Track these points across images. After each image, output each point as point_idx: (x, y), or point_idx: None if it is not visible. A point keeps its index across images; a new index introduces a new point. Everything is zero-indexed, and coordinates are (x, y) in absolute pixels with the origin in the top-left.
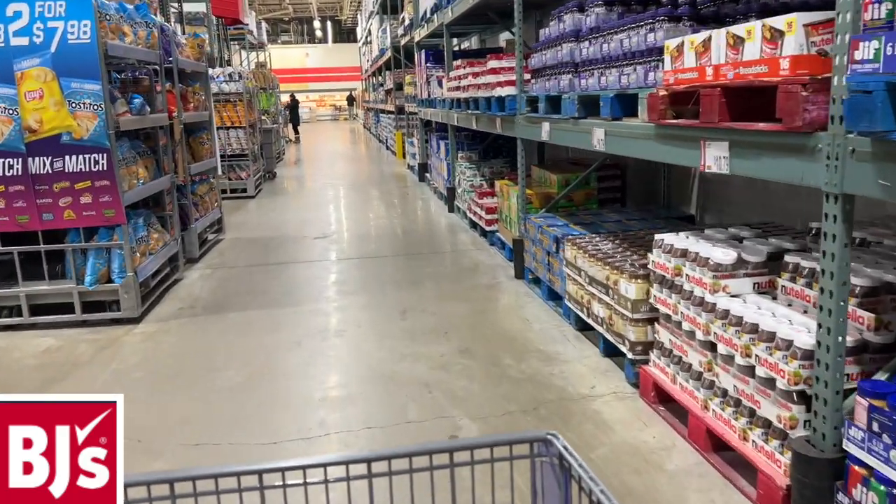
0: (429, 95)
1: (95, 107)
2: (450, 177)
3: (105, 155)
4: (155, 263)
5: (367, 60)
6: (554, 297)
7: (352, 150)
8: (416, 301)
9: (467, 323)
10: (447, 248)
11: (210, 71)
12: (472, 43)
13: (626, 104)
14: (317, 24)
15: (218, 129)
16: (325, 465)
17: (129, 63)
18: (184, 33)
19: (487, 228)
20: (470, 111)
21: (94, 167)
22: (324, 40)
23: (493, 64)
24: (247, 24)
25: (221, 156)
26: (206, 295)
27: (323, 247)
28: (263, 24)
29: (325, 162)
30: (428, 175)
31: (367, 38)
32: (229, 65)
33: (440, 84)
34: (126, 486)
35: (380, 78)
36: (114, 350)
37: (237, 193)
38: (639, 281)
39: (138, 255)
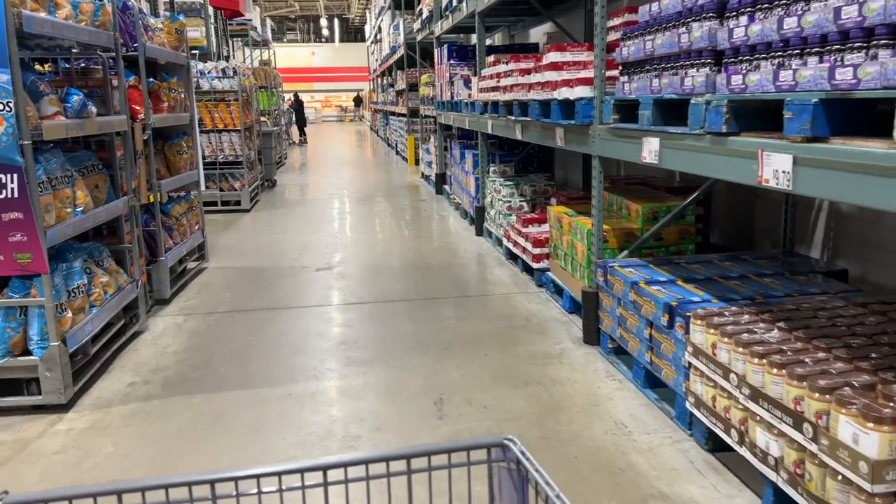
0: (452, 97)
1: (1, 106)
2: (478, 194)
3: (14, 176)
4: (98, 321)
5: (376, 60)
6: (654, 382)
7: (359, 154)
8: (455, 382)
9: (535, 432)
10: (482, 287)
11: (200, 66)
12: (495, 40)
13: (837, 114)
14: (324, 22)
15: (209, 132)
16: (279, 474)
17: (68, 47)
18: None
19: (535, 266)
20: (514, 117)
21: None
22: (331, 39)
23: (553, 57)
24: (250, 20)
25: (212, 163)
26: (168, 362)
27: (326, 283)
28: (268, 22)
29: (331, 168)
30: (447, 187)
31: (376, 36)
32: (228, 61)
33: (467, 84)
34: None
35: (390, 78)
36: (16, 465)
37: (230, 206)
38: (885, 428)
39: (70, 313)
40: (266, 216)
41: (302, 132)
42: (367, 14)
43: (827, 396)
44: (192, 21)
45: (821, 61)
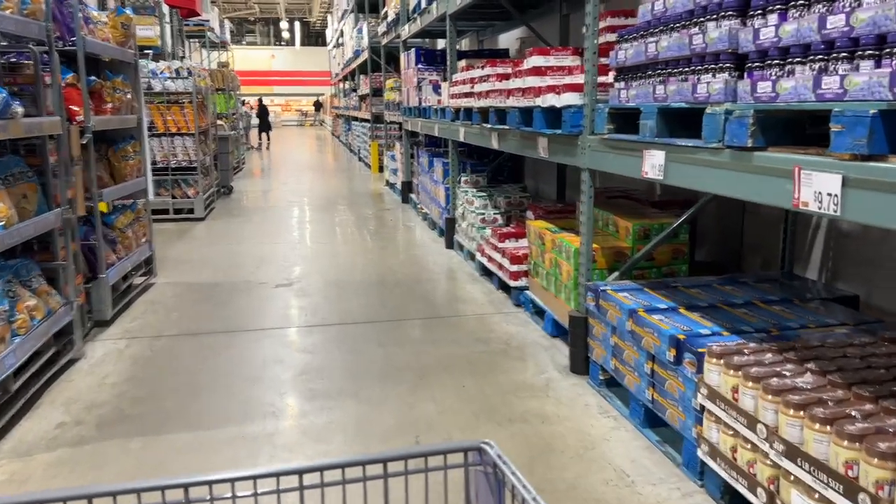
0: (419, 103)
1: None
2: (448, 204)
3: None
4: (23, 352)
5: (338, 64)
6: (654, 421)
7: (320, 159)
8: (432, 418)
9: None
10: (456, 307)
11: (152, 65)
12: (462, 45)
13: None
14: (284, 24)
15: (161, 135)
16: (254, 478)
17: None
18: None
19: (513, 284)
20: (490, 125)
21: None
22: (291, 42)
23: (536, 61)
24: (207, 21)
25: (164, 169)
26: (106, 396)
27: (286, 301)
28: (227, 23)
29: (291, 173)
30: (413, 196)
31: (338, 39)
32: (182, 61)
33: (437, 90)
34: None
35: (352, 82)
36: None
37: (183, 215)
38: None
39: None
40: (221, 225)
41: (267, 137)
42: (329, 17)
43: (890, 463)
44: (145, 19)
45: (878, 65)
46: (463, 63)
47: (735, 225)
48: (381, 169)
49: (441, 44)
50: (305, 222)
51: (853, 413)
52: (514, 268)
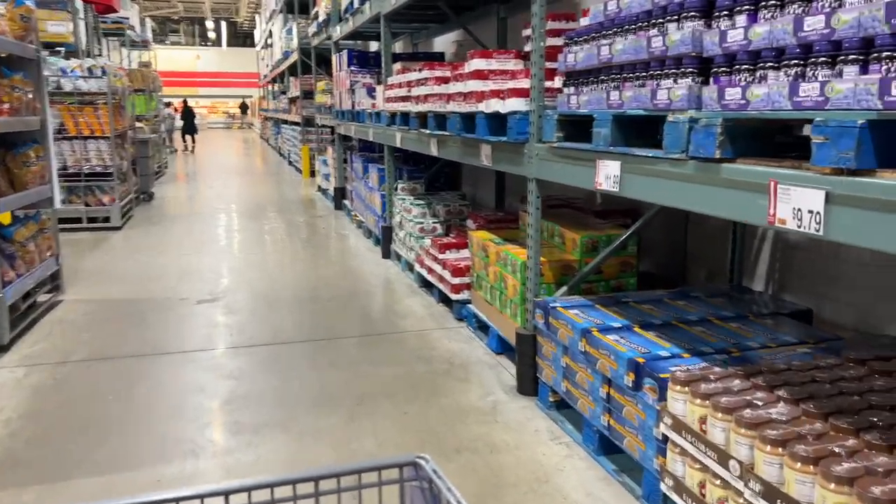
0: (353, 106)
1: None
2: (385, 212)
3: None
4: None
5: (267, 65)
6: (610, 447)
7: (248, 164)
8: (372, 453)
9: None
10: (395, 322)
11: (62, 63)
12: (395, 48)
13: (886, 141)
14: (210, 24)
15: (72, 139)
16: (178, 500)
17: None
18: None
19: (454, 297)
20: (428, 131)
21: None
22: (217, 43)
23: (477, 64)
24: (127, 18)
25: (76, 174)
26: None
27: (210, 319)
28: (149, 22)
29: (217, 178)
30: (347, 203)
31: (267, 40)
32: (96, 59)
33: (371, 93)
34: None
35: (282, 84)
36: None
37: (97, 224)
38: None
39: None
40: (140, 235)
41: (193, 140)
42: (257, 18)
43: None
44: (56, 14)
45: (864, 71)
46: (398, 66)
47: (678, 235)
48: (312, 174)
49: (374, 46)
50: (233, 231)
51: (836, 450)
52: (456, 280)
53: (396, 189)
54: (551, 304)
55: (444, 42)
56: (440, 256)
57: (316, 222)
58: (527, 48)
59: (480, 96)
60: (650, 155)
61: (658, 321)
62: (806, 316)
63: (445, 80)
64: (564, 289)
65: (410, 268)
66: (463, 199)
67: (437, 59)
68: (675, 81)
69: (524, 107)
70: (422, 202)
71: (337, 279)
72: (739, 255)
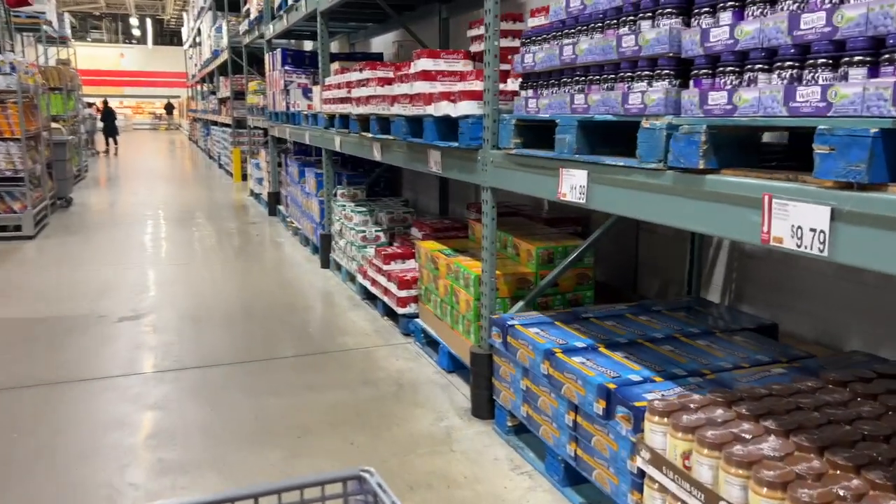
0: (287, 108)
1: None
2: (323, 219)
3: None
4: None
5: (195, 65)
6: (576, 478)
7: (176, 166)
8: None
9: None
10: (338, 339)
11: None
12: (331, 48)
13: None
14: (134, 21)
15: None
16: None
17: None
18: None
19: (401, 311)
20: (371, 135)
21: None
22: (143, 41)
23: (424, 64)
24: (43, 13)
25: None
26: None
27: (132, 340)
28: (67, 17)
29: (143, 182)
30: (282, 208)
31: (195, 38)
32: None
33: (307, 94)
34: None
35: (211, 85)
36: None
37: (7, 233)
38: None
39: None
40: (56, 245)
41: (115, 142)
42: (185, 15)
43: None
44: None
45: (874, 74)
46: (336, 66)
47: (629, 243)
48: (244, 178)
49: (308, 46)
50: (159, 239)
51: (841, 492)
52: (403, 293)
53: (335, 195)
54: (509, 322)
55: (382, 42)
56: (385, 267)
57: (249, 229)
58: (474, 48)
59: (428, 98)
60: (622, 164)
61: (623, 339)
62: (772, 331)
63: (389, 81)
64: (521, 304)
65: (352, 279)
66: (406, 206)
67: (375, 59)
68: (649, 84)
69: (477, 110)
70: (363, 209)
71: (273, 292)
72: (698, 266)
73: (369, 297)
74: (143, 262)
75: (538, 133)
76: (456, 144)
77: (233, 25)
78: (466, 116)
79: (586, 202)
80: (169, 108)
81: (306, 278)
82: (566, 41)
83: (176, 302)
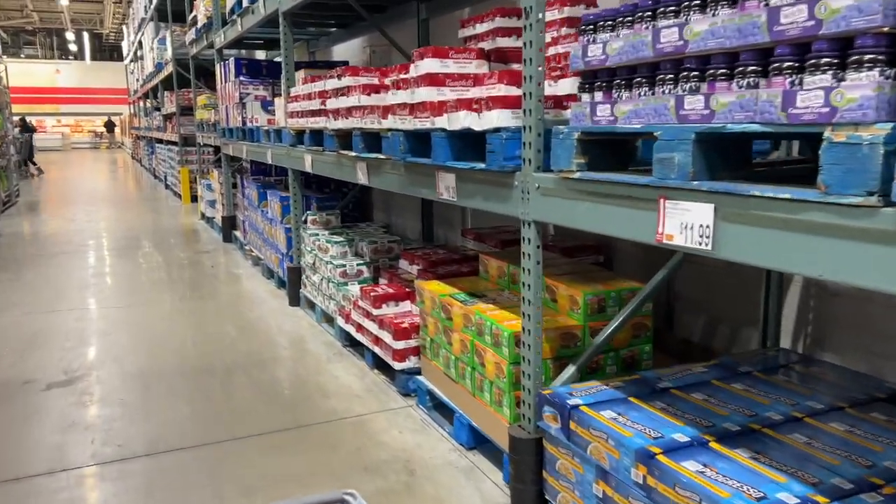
0: (244, 123)
1: None
2: (290, 250)
3: None
4: None
5: (137, 80)
6: None
7: (119, 188)
8: None
9: None
10: (322, 405)
11: None
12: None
13: None
14: (70, 36)
15: None
16: None
17: None
18: None
19: (398, 365)
20: (356, 153)
21: None
22: (80, 56)
23: (430, 66)
24: None
25: None
26: None
27: (62, 416)
28: None
29: (82, 207)
30: (238, 234)
31: (136, 52)
32: None
33: (266, 107)
34: None
35: (155, 101)
36: None
37: None
38: None
39: None
40: None
41: (33, 163)
42: (125, 29)
43: None
44: None
45: None
46: (301, 74)
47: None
48: (194, 199)
49: (260, 55)
50: (99, 275)
51: None
52: (400, 344)
53: (306, 221)
54: (569, 402)
55: (347, 50)
56: (375, 312)
57: (202, 259)
58: (483, 45)
59: (438, 108)
60: (789, 197)
61: (734, 427)
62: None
63: (377, 89)
64: (571, 370)
65: (329, 319)
66: (390, 234)
67: (339, 66)
68: (836, 77)
69: (513, 121)
70: (340, 239)
71: (236, 338)
72: (776, 308)
73: (353, 343)
74: (81, 304)
75: (608, 150)
76: (482, 166)
77: (177, 36)
78: (498, 130)
79: (713, 248)
80: (110, 126)
81: (273, 319)
82: (664, 23)
83: (119, 356)
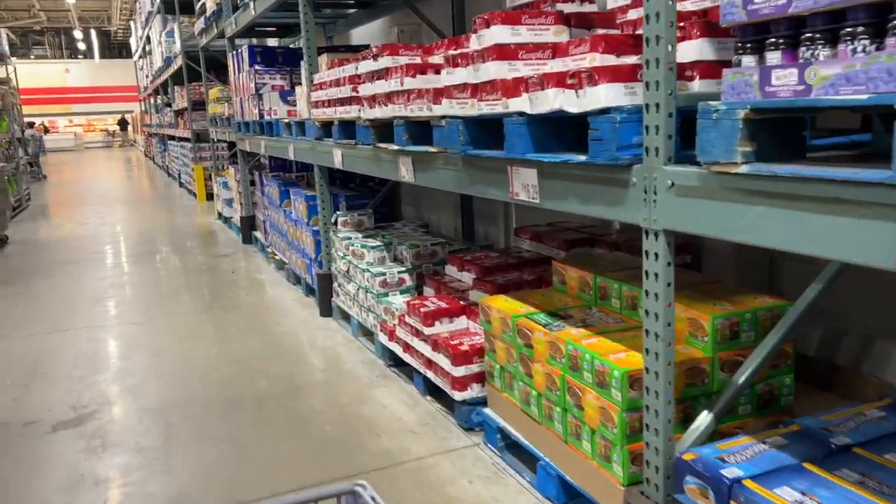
0: (260, 115)
1: None
2: (319, 255)
3: None
4: None
5: (146, 76)
6: None
7: (133, 188)
8: None
9: None
10: (371, 444)
11: None
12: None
13: None
14: (78, 34)
15: None
16: None
17: None
18: None
19: (459, 395)
20: (399, 146)
21: None
22: (89, 55)
23: (498, 35)
24: None
25: None
26: None
27: (69, 468)
28: (4, 33)
29: (95, 209)
30: (259, 235)
31: (145, 48)
32: None
33: (286, 97)
34: None
35: (165, 96)
36: None
37: None
38: None
39: None
40: None
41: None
42: (132, 25)
43: None
44: None
45: None
46: (325, 59)
47: (760, 276)
48: (209, 197)
49: (272, 44)
50: (112, 286)
51: None
52: (460, 371)
53: (335, 223)
54: (725, 471)
55: (367, 33)
56: (427, 331)
57: (221, 264)
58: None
59: (513, 87)
60: None
61: None
62: None
63: (422, 69)
64: (706, 420)
65: (367, 333)
66: (430, 235)
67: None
68: None
69: (625, 99)
70: (377, 243)
71: (264, 361)
72: None
73: (398, 362)
74: (93, 321)
75: (776, 134)
76: (581, 158)
77: (186, 27)
78: (606, 111)
79: None
80: (123, 124)
81: (305, 334)
82: None
83: (135, 387)
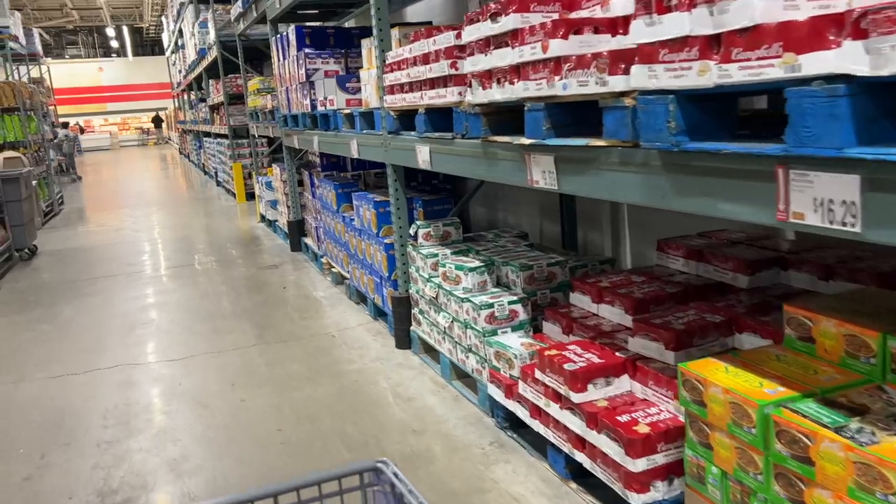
0: (312, 107)
1: None
2: (393, 272)
3: None
4: None
5: (180, 71)
6: None
7: (168, 187)
8: None
9: None
10: None
11: None
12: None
13: None
14: (111, 32)
15: None
16: None
17: None
18: None
19: (639, 498)
20: (539, 140)
21: None
22: (122, 53)
23: None
24: (7, 28)
25: None
26: None
27: None
28: (37, 32)
29: (129, 211)
30: (310, 242)
31: (177, 41)
32: None
33: (344, 84)
34: None
35: (200, 91)
36: None
37: None
38: None
39: None
40: (3, 326)
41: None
42: (164, 20)
43: None
44: None
45: None
46: (396, 34)
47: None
48: (249, 196)
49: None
50: (149, 308)
51: None
52: (640, 464)
53: (415, 236)
54: None
55: (425, 9)
56: (576, 398)
57: (270, 277)
58: None
59: (806, 34)
60: None
61: None
62: None
63: (578, 27)
64: None
65: (462, 375)
66: (541, 251)
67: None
68: None
69: None
70: (475, 263)
71: (339, 418)
72: None
73: (515, 423)
74: (124, 359)
75: None
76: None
77: (220, 16)
78: None
79: None
80: (157, 122)
81: (383, 376)
82: None
83: (177, 461)
